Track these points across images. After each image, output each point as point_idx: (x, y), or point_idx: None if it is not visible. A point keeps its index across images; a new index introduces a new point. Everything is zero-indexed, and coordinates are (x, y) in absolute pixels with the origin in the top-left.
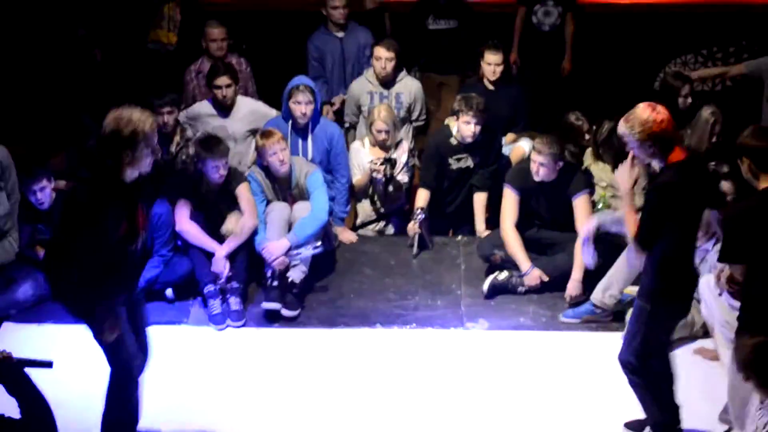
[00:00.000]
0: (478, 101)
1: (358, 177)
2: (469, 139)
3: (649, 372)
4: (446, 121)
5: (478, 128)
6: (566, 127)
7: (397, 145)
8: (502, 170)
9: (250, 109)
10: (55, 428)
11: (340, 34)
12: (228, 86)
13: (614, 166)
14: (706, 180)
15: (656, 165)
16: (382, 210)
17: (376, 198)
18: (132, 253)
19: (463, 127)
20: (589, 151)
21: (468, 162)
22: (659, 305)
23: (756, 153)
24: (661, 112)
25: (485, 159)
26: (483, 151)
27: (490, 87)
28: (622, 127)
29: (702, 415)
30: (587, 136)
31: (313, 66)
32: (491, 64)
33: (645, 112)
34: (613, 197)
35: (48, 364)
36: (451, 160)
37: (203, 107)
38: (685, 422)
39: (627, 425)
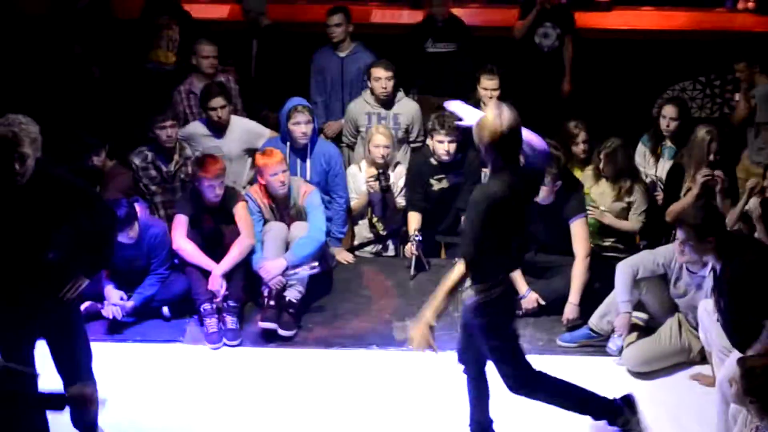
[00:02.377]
0: (450, 119)
1: (355, 200)
2: (444, 158)
3: (531, 383)
4: (427, 142)
5: (453, 146)
6: (562, 134)
7: (395, 165)
8: None
9: (244, 129)
10: None
11: (342, 54)
12: (222, 107)
13: (614, 182)
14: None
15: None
16: (379, 232)
17: (374, 220)
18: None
19: (437, 146)
20: (589, 173)
21: (448, 182)
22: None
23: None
24: (506, 117)
25: (467, 179)
26: (463, 171)
27: None
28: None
29: None
30: (582, 146)
31: (316, 81)
32: (487, 89)
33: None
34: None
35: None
36: (432, 181)
37: (197, 128)
38: None
39: None
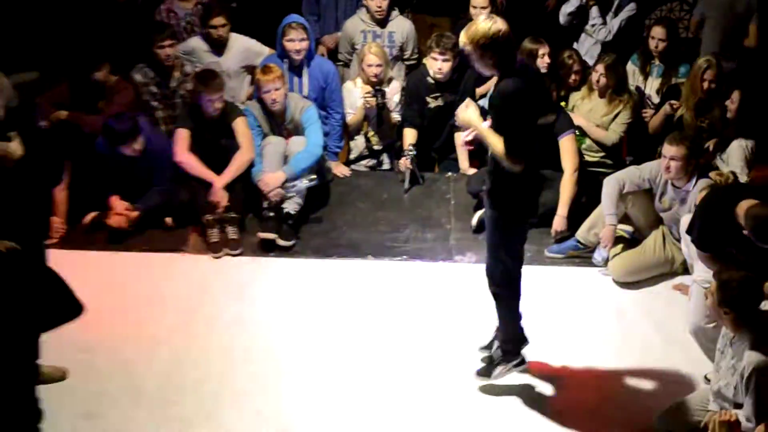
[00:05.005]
0: (447, 39)
1: (351, 116)
2: (438, 76)
3: (509, 282)
4: (424, 60)
5: (446, 65)
6: (557, 65)
7: (389, 81)
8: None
9: (243, 47)
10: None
11: None
12: (223, 26)
13: (609, 96)
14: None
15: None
16: (374, 146)
17: (369, 134)
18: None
19: (432, 63)
20: (578, 92)
21: (444, 100)
22: (508, 211)
23: None
24: (498, 22)
25: (462, 97)
26: (458, 90)
27: None
28: (462, 41)
29: (683, 346)
30: (574, 77)
31: (308, 1)
32: (476, 8)
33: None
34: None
35: None
36: (428, 99)
37: (197, 43)
38: (665, 353)
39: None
